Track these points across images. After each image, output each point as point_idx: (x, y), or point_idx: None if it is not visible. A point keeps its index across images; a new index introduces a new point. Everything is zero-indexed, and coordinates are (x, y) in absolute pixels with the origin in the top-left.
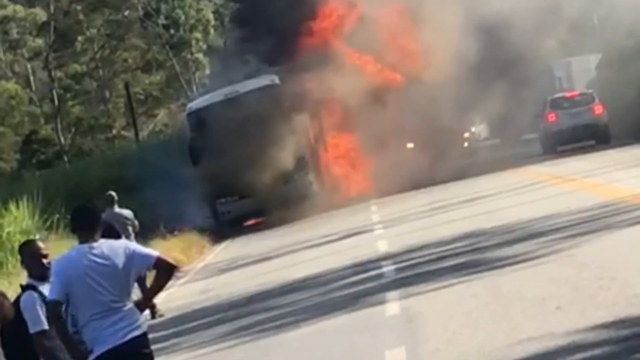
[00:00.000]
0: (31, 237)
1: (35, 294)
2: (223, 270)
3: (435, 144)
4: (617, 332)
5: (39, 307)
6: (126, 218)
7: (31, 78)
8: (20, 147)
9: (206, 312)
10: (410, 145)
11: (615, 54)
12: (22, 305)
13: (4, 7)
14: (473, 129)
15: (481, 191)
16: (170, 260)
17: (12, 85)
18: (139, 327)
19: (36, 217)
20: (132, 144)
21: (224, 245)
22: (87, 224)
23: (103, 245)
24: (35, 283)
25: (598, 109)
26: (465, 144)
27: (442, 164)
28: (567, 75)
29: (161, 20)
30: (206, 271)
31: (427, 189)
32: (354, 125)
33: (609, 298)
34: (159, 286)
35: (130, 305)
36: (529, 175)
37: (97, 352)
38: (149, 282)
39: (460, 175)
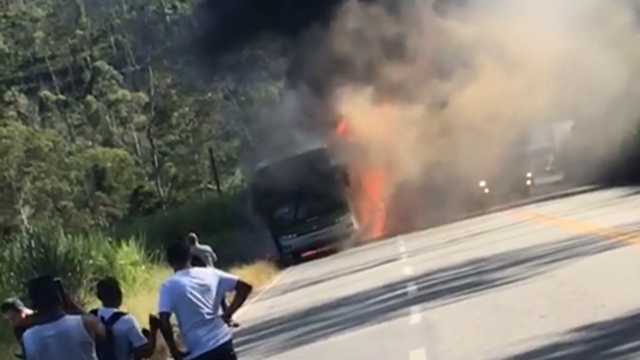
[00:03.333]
0: (138, 268)
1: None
2: (286, 291)
3: (448, 193)
4: (587, 335)
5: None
6: (205, 251)
7: (137, 146)
8: (129, 198)
9: (273, 323)
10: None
11: (584, 120)
12: (123, 325)
13: (115, 92)
14: (481, 183)
15: (485, 227)
16: (248, 282)
17: (122, 152)
18: (227, 334)
19: (142, 252)
20: (215, 195)
21: (286, 272)
22: (179, 256)
23: (198, 271)
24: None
25: None
26: (486, 191)
27: (457, 208)
28: (550, 136)
29: (237, 99)
30: (272, 292)
31: (443, 227)
32: (384, 178)
33: (581, 308)
34: (240, 302)
35: (219, 317)
36: (519, 214)
37: (197, 353)
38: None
39: (469, 215)
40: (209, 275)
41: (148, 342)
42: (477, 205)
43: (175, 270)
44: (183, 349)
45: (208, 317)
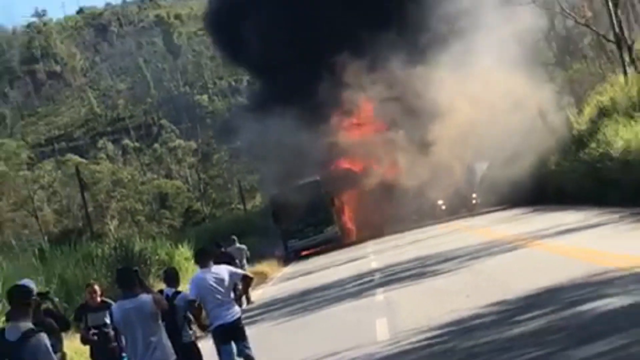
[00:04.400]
0: (189, 262)
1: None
2: (289, 279)
3: (415, 209)
4: (498, 308)
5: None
6: (242, 249)
7: (188, 178)
8: (183, 214)
9: (280, 300)
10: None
11: (497, 161)
12: (180, 300)
13: (173, 141)
14: (439, 202)
15: (430, 234)
16: (250, 275)
17: (178, 182)
18: (237, 313)
19: (191, 251)
20: (242, 213)
21: (290, 266)
22: (202, 258)
23: (217, 268)
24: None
25: None
26: (443, 207)
27: (421, 219)
28: (472, 173)
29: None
30: (280, 278)
31: (403, 234)
32: (360, 201)
33: (493, 290)
34: (245, 287)
35: (232, 300)
36: (454, 226)
37: (216, 324)
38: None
39: (425, 224)
40: (223, 271)
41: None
42: (435, 218)
43: (201, 267)
44: (207, 323)
45: (223, 299)
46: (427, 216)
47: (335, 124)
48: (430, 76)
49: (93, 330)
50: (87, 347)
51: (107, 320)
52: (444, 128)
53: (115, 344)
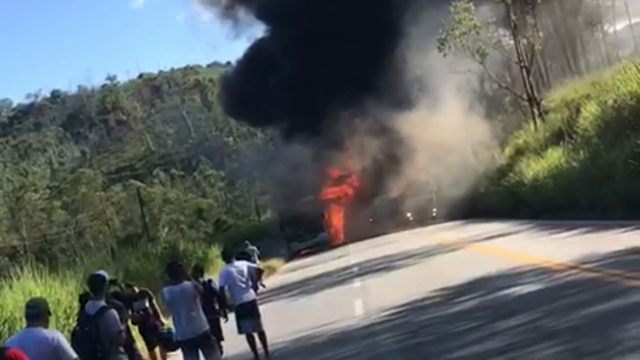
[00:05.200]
0: (219, 259)
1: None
2: (291, 270)
3: (389, 220)
4: (442, 292)
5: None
6: (254, 249)
7: (219, 197)
8: (214, 224)
9: (285, 286)
10: (370, 220)
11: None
12: (213, 285)
13: (208, 170)
14: (408, 214)
15: (397, 238)
16: (261, 267)
17: (211, 201)
18: (253, 296)
19: (219, 251)
20: (257, 223)
21: (292, 262)
22: (226, 255)
23: (238, 263)
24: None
25: None
26: (411, 219)
27: (394, 227)
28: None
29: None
30: (284, 270)
31: (377, 238)
32: (345, 214)
33: (439, 280)
34: (258, 276)
35: (250, 286)
36: (415, 232)
37: (237, 304)
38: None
39: (395, 231)
40: (242, 265)
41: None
42: (405, 226)
43: (226, 263)
44: (231, 303)
45: (243, 286)
46: (400, 225)
47: (327, 159)
48: (404, 120)
49: (139, 313)
50: (136, 327)
51: (147, 304)
52: (412, 159)
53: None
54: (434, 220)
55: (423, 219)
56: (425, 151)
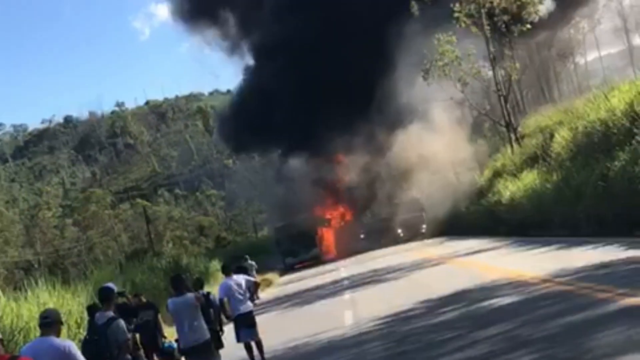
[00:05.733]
0: (219, 272)
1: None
2: (286, 283)
3: (382, 235)
4: (426, 304)
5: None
6: (252, 264)
7: (219, 215)
8: (215, 240)
9: (280, 298)
10: (362, 236)
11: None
12: (212, 298)
13: (209, 190)
14: (398, 231)
15: (385, 253)
16: (258, 280)
17: (212, 218)
18: (250, 307)
19: (219, 266)
20: (254, 239)
21: (287, 275)
22: (225, 269)
23: (236, 276)
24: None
25: None
26: (402, 235)
27: (386, 243)
28: (422, 211)
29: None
30: (280, 283)
31: (365, 254)
32: (336, 230)
33: (423, 292)
34: (255, 289)
35: (247, 298)
36: (401, 248)
37: (236, 314)
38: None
39: (385, 246)
40: (241, 278)
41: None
42: (395, 242)
43: (226, 276)
44: (230, 314)
45: (241, 298)
46: (391, 241)
47: (321, 178)
48: (394, 142)
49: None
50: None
51: (152, 317)
52: (403, 178)
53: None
54: (424, 237)
55: (413, 236)
56: (414, 171)
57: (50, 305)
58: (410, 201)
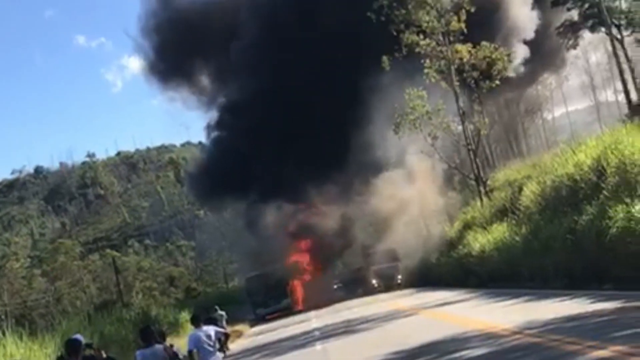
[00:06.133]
0: (188, 323)
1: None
2: (257, 334)
3: (359, 286)
4: (399, 355)
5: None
6: (222, 314)
7: (189, 266)
8: (184, 290)
9: (250, 349)
10: (335, 286)
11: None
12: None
13: (179, 241)
14: (373, 281)
15: (358, 304)
16: (228, 331)
17: (182, 269)
18: (219, 358)
19: (189, 316)
20: (225, 290)
21: (257, 326)
22: (195, 320)
23: (206, 327)
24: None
25: None
26: (377, 286)
27: (362, 293)
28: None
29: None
30: (251, 334)
31: (338, 305)
32: (308, 281)
33: (397, 342)
34: (225, 340)
35: (217, 349)
36: (376, 299)
37: None
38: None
39: (358, 296)
40: (210, 329)
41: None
42: (370, 292)
43: (195, 327)
44: None
45: (211, 349)
46: (365, 291)
47: (292, 228)
48: (368, 193)
49: None
50: None
51: None
52: (377, 229)
53: None
54: (400, 287)
55: (388, 286)
56: (388, 221)
57: (18, 357)
58: (386, 251)
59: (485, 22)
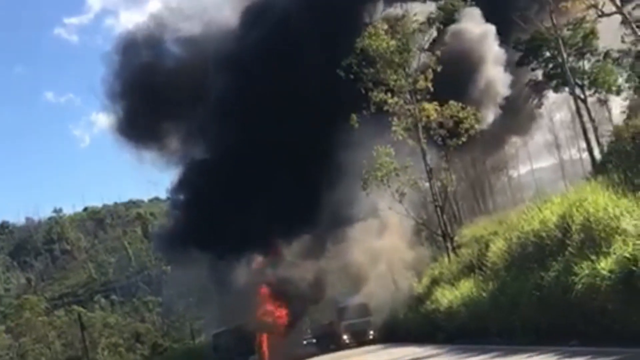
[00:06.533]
0: None
1: None
2: None
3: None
4: None
5: None
6: None
7: (156, 323)
8: (151, 347)
9: None
10: (304, 342)
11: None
12: None
13: (146, 297)
14: (344, 336)
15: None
16: None
17: (149, 325)
18: None
19: None
20: (192, 346)
21: None
22: None
23: None
24: None
25: None
26: (348, 341)
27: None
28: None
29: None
30: None
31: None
32: (276, 336)
33: None
34: None
35: None
36: (339, 355)
37: None
38: None
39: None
40: None
41: None
42: (340, 347)
43: None
44: None
45: None
46: (335, 347)
47: (260, 283)
48: (336, 248)
49: None
50: None
51: None
52: (348, 284)
53: None
54: (373, 342)
55: (360, 342)
56: (358, 275)
57: None
58: (357, 305)
59: (456, 81)
